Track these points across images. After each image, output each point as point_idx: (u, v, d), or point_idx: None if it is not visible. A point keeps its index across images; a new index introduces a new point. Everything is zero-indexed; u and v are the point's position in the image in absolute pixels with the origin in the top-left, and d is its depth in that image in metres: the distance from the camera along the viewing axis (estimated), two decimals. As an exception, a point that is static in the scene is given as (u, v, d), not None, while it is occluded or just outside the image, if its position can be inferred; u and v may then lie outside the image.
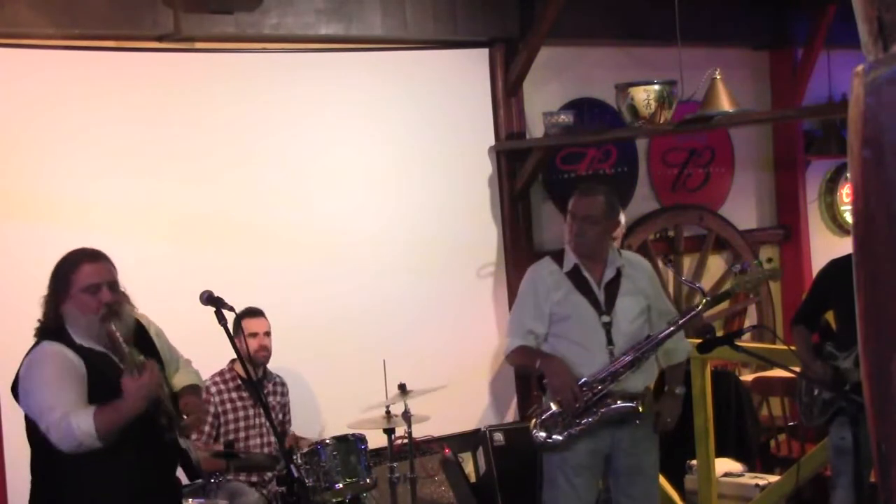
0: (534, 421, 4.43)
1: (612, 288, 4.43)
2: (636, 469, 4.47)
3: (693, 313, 4.54)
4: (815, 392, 4.69)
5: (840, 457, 4.58)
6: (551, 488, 4.48)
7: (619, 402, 4.35)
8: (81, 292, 3.49)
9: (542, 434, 4.37)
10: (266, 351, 5.23)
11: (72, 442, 3.38)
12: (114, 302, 3.53)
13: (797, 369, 4.55)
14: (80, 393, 3.45)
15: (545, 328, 4.42)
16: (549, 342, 4.44)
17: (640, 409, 4.38)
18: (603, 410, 4.33)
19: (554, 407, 4.35)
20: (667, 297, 4.81)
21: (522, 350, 4.46)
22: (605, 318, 4.38)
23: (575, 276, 4.43)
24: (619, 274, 4.45)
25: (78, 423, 3.36)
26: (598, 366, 4.33)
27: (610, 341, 4.36)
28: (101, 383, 3.47)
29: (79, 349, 3.50)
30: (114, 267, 3.60)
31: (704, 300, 4.59)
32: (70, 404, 3.41)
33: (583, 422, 4.33)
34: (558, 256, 4.53)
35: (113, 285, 3.55)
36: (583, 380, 4.31)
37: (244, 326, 5.09)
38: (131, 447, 3.47)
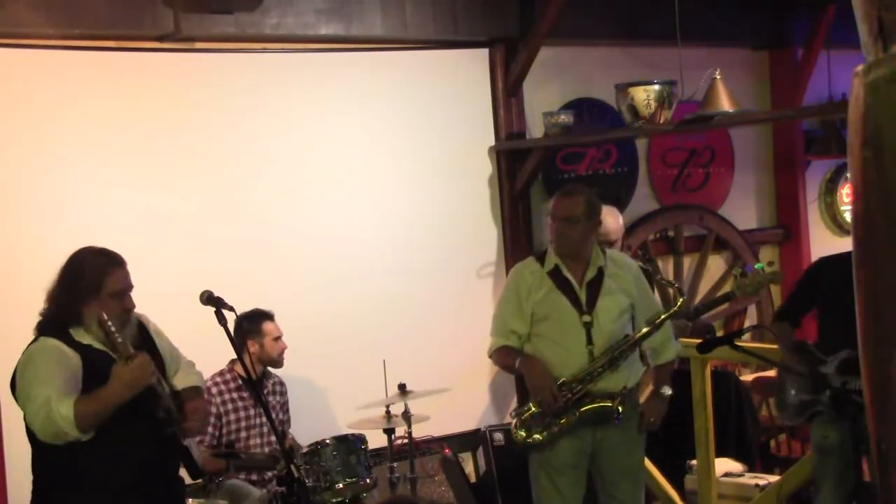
0: (514, 421, 4.47)
1: (594, 287, 4.45)
2: (621, 469, 4.48)
3: (669, 313, 4.55)
4: (793, 392, 4.63)
5: (822, 456, 4.54)
6: (535, 488, 4.52)
7: (598, 401, 4.37)
8: (110, 296, 3.52)
9: (523, 433, 4.40)
10: (280, 356, 5.31)
11: (51, 429, 3.37)
12: (132, 308, 3.60)
13: (783, 365, 4.53)
14: (71, 386, 3.44)
15: (527, 328, 4.45)
16: (531, 342, 4.46)
17: (620, 409, 4.39)
18: (581, 409, 4.35)
19: (533, 407, 4.38)
20: (654, 297, 4.80)
21: (504, 350, 4.50)
22: (586, 318, 4.39)
23: (556, 276, 4.45)
24: (601, 273, 4.47)
25: (58, 409, 3.36)
26: (578, 365, 4.36)
27: (590, 341, 4.38)
28: (98, 379, 3.47)
29: (77, 346, 3.50)
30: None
31: (681, 299, 4.61)
32: (55, 393, 3.40)
33: (561, 421, 4.35)
34: (541, 256, 4.56)
35: (130, 290, 3.61)
36: (561, 380, 4.34)
37: (266, 330, 5.17)
38: (130, 442, 3.48)
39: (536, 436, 4.39)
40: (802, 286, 4.88)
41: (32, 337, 3.59)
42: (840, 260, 4.93)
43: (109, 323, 3.44)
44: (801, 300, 4.84)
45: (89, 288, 3.52)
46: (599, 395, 4.37)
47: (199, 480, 4.27)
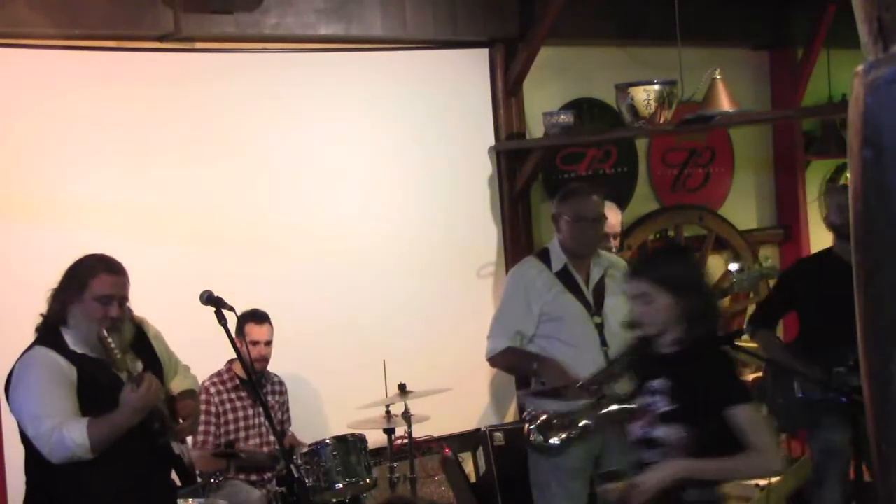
0: (526, 426, 4.41)
1: (599, 289, 4.42)
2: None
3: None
4: (798, 393, 4.60)
5: (828, 458, 4.52)
6: (543, 493, 4.45)
7: (619, 404, 4.34)
8: (93, 299, 3.51)
9: (540, 438, 4.36)
10: (264, 361, 5.21)
11: (63, 453, 3.39)
12: (119, 318, 3.56)
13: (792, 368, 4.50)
14: (70, 401, 3.46)
15: (533, 329, 4.39)
16: (538, 343, 4.39)
17: None
18: (603, 413, 4.32)
19: (550, 410, 4.34)
20: None
21: (511, 352, 4.42)
22: (597, 319, 4.36)
23: (564, 277, 4.41)
24: (603, 275, 4.45)
25: (71, 435, 3.37)
26: (593, 367, 4.31)
27: (604, 342, 4.35)
28: (93, 389, 3.48)
29: (72, 355, 3.50)
30: (128, 282, 3.62)
31: None
32: (60, 415, 3.41)
33: (580, 425, 4.32)
34: (543, 256, 4.50)
35: (123, 301, 3.59)
36: (580, 383, 4.30)
37: (247, 331, 5.09)
38: (123, 451, 3.48)
39: (554, 440, 4.34)
40: (782, 289, 4.84)
41: (33, 336, 3.60)
42: (817, 258, 4.93)
43: (109, 340, 3.43)
44: (781, 303, 4.81)
45: (75, 288, 3.53)
46: (615, 397, 4.35)
47: (200, 480, 4.27)
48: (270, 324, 5.23)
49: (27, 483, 3.64)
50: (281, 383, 5.42)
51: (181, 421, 3.73)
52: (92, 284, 3.52)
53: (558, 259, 4.42)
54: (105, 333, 3.42)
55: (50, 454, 3.41)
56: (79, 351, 3.51)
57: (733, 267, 5.13)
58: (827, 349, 4.43)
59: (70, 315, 3.51)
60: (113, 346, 3.42)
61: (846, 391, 4.31)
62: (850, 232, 4.92)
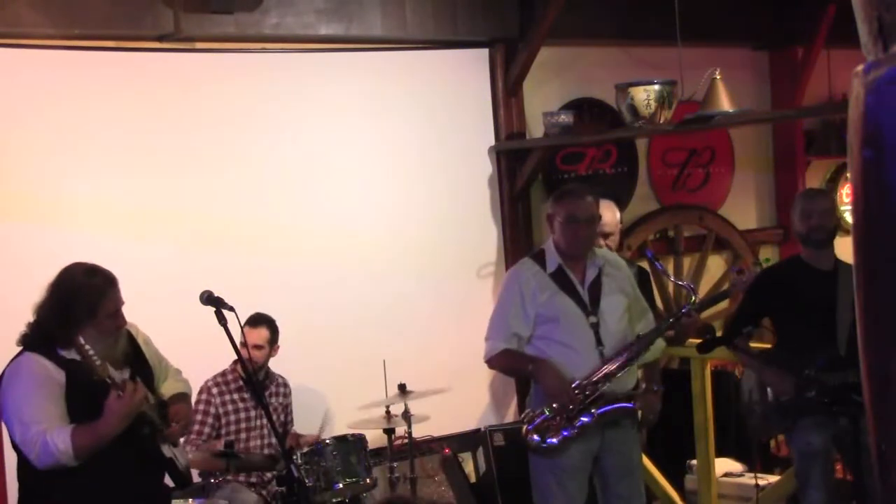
0: (525, 427, 4.41)
1: (596, 288, 4.42)
2: (624, 468, 4.47)
3: (683, 312, 4.54)
4: (770, 398, 4.60)
5: (807, 461, 4.53)
6: (542, 492, 4.45)
7: (615, 403, 4.35)
8: (106, 318, 3.51)
9: (537, 438, 4.36)
10: (255, 363, 5.13)
11: (48, 459, 3.40)
12: (124, 325, 3.61)
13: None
14: (59, 408, 3.46)
15: (530, 331, 4.39)
16: (534, 344, 4.40)
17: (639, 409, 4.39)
18: (600, 412, 4.32)
19: (547, 411, 4.34)
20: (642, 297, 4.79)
21: (508, 354, 4.42)
22: (593, 319, 4.36)
23: (559, 278, 4.40)
24: (599, 273, 4.45)
25: (55, 442, 3.37)
26: (589, 367, 4.32)
27: (599, 342, 4.35)
28: (82, 395, 3.47)
29: (62, 361, 3.49)
30: None
31: (694, 299, 4.59)
32: (47, 421, 3.41)
33: (579, 424, 4.32)
34: (539, 257, 4.50)
35: (122, 306, 3.61)
36: (576, 382, 4.31)
37: (245, 333, 5.07)
38: (113, 455, 3.48)
39: (551, 440, 4.34)
40: (751, 300, 4.83)
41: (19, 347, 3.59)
42: (786, 266, 4.95)
43: (87, 347, 3.40)
44: (750, 313, 4.81)
45: (84, 314, 3.50)
46: (612, 396, 4.35)
47: (200, 480, 4.28)
48: (270, 327, 5.20)
49: (20, 488, 3.65)
50: (285, 385, 5.41)
51: (172, 424, 3.73)
52: (104, 305, 3.51)
53: (553, 260, 4.42)
54: (82, 341, 3.39)
55: (36, 460, 3.42)
56: (67, 356, 3.50)
57: (734, 269, 5.13)
58: (799, 355, 4.42)
59: (84, 336, 3.44)
60: (91, 352, 3.39)
61: (817, 389, 4.29)
62: (814, 240, 4.95)
